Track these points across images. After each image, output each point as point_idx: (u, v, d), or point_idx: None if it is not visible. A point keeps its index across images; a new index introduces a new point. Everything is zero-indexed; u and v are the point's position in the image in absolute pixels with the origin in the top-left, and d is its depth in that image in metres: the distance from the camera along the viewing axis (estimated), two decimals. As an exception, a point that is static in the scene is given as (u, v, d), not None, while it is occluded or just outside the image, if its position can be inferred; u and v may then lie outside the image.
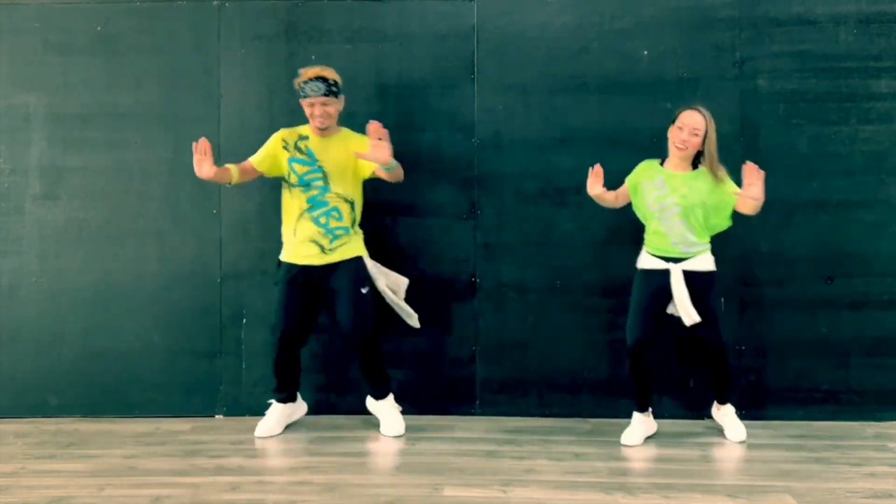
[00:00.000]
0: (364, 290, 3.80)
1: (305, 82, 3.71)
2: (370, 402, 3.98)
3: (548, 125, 4.14)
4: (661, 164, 3.74)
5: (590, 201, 4.10)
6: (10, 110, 4.24)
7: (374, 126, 3.56)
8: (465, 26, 4.16)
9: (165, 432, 3.93)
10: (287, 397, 3.90)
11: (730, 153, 4.05)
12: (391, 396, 3.95)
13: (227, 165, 3.76)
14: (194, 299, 4.20)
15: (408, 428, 3.95)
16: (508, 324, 4.16)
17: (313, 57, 4.16)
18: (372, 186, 4.15)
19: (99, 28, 4.23)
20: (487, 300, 4.16)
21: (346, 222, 3.80)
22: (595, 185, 3.73)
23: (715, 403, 3.87)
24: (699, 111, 3.63)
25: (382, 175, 3.75)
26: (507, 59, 4.15)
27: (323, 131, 3.78)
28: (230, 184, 3.78)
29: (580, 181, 4.08)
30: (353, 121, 4.14)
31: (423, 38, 4.17)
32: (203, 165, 3.62)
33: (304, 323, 3.83)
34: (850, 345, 4.06)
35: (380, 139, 3.56)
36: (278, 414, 3.88)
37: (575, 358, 4.13)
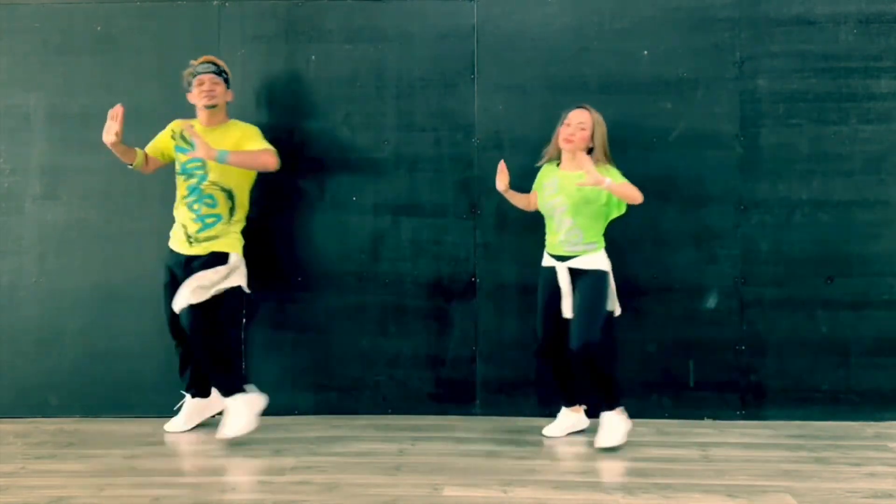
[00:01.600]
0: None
1: (196, 66, 3.82)
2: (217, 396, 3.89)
3: (548, 125, 4.13)
4: (558, 166, 3.79)
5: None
6: (10, 110, 4.24)
7: (187, 129, 3.69)
8: (465, 26, 4.16)
9: (165, 432, 3.93)
10: (195, 391, 3.94)
11: (730, 153, 4.06)
12: (243, 395, 3.71)
13: (136, 149, 3.83)
14: (194, 299, 4.19)
15: (408, 428, 3.95)
16: (508, 324, 4.16)
17: (313, 57, 4.16)
18: (372, 186, 4.16)
19: (99, 28, 4.23)
20: (487, 300, 4.16)
21: (220, 210, 3.80)
22: (500, 181, 3.79)
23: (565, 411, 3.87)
24: (585, 108, 3.72)
25: (243, 167, 3.76)
26: (507, 59, 4.15)
27: (210, 110, 3.81)
28: (132, 165, 3.83)
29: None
30: (353, 121, 4.15)
31: (423, 38, 4.17)
32: (110, 131, 3.65)
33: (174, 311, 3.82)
34: (850, 345, 4.06)
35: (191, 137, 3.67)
36: (189, 409, 3.94)
37: (575, 358, 4.13)
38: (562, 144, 3.71)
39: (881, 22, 4.06)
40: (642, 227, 4.00)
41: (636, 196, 3.58)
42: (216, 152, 3.61)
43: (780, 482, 3.16)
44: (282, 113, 4.13)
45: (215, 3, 4.21)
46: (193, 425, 3.94)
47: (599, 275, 3.67)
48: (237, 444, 3.68)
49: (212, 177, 3.79)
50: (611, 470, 3.34)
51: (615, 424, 3.64)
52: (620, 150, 4.04)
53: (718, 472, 3.31)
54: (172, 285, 3.80)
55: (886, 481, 3.18)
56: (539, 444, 3.70)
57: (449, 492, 3.06)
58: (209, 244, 3.79)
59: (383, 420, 4.09)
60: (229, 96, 3.90)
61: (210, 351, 3.69)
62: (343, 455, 3.55)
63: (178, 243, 3.83)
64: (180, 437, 3.84)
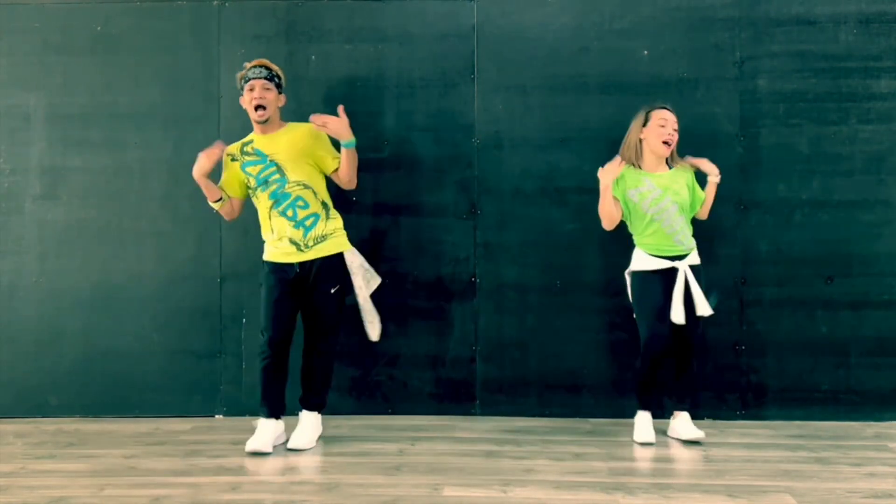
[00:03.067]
0: (333, 291, 3.66)
1: (249, 70, 3.71)
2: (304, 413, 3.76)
3: (548, 125, 4.15)
4: (639, 168, 3.75)
5: (590, 201, 4.10)
6: (10, 110, 4.24)
7: (315, 118, 3.58)
8: (465, 26, 4.16)
9: (165, 432, 3.93)
10: (273, 412, 3.66)
11: (730, 153, 4.07)
12: (319, 413, 3.76)
13: (220, 188, 3.74)
14: (194, 299, 4.20)
15: (408, 428, 3.95)
16: (508, 324, 4.16)
17: (313, 57, 4.16)
18: (372, 187, 4.16)
19: (99, 28, 4.23)
20: (487, 300, 4.16)
21: (314, 209, 3.67)
22: (610, 174, 3.67)
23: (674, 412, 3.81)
24: (666, 108, 3.72)
25: (343, 169, 3.69)
26: (507, 59, 4.15)
27: (263, 123, 3.69)
28: (216, 205, 3.72)
29: (580, 181, 4.10)
30: (353, 120, 4.14)
31: (423, 38, 4.17)
32: (203, 165, 3.60)
33: (290, 326, 3.68)
34: (849, 345, 4.06)
35: (324, 123, 3.58)
36: (271, 430, 3.63)
37: (575, 358, 4.13)
38: (660, 148, 3.68)
39: (881, 22, 4.06)
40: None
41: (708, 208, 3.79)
42: (352, 136, 3.59)
43: (780, 482, 3.16)
44: (282, 113, 4.12)
45: (215, 3, 4.21)
46: (272, 448, 3.63)
47: (702, 270, 3.74)
48: (237, 444, 3.68)
49: (291, 177, 3.65)
50: (611, 470, 3.34)
51: (690, 419, 3.73)
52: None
53: (718, 472, 3.30)
54: (282, 297, 3.63)
55: (886, 481, 3.18)
56: (539, 444, 3.70)
57: (449, 492, 3.06)
58: (319, 248, 3.65)
59: (383, 420, 4.09)
60: (282, 101, 3.75)
61: (330, 364, 3.73)
62: (343, 455, 3.55)
63: (285, 255, 3.64)
64: (180, 437, 3.84)
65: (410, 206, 4.18)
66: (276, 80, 3.72)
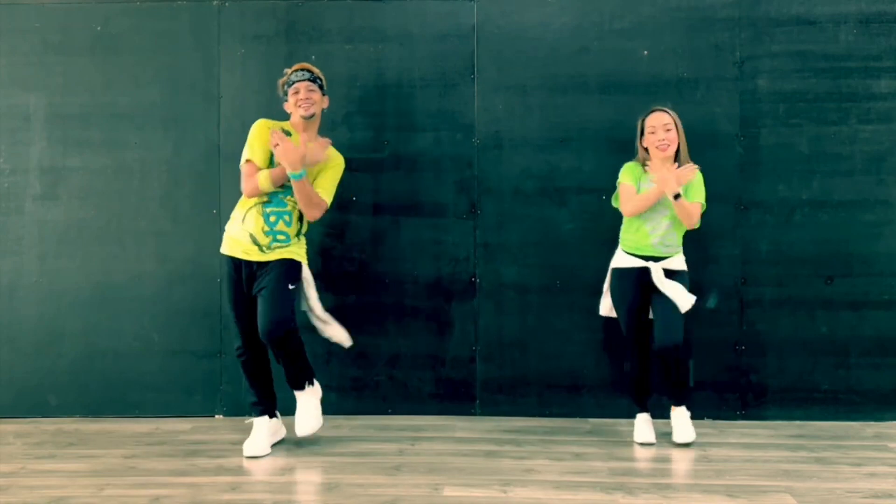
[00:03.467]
0: (291, 287, 3.57)
1: (291, 73, 3.68)
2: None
3: (548, 125, 4.14)
4: (644, 168, 3.74)
5: (590, 201, 4.11)
6: (10, 110, 4.24)
7: (273, 134, 3.50)
8: (465, 26, 4.16)
9: (165, 432, 3.93)
10: (266, 410, 3.66)
11: (730, 153, 4.07)
12: (313, 386, 3.65)
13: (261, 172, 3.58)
14: (194, 299, 4.20)
15: (408, 428, 3.95)
16: (508, 324, 4.16)
17: (313, 57, 4.16)
18: (372, 187, 4.16)
19: (99, 28, 4.23)
20: (487, 300, 4.16)
21: (292, 230, 3.62)
22: (676, 186, 3.59)
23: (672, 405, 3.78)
24: (662, 109, 3.70)
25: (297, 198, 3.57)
26: (507, 59, 4.15)
27: (308, 121, 3.63)
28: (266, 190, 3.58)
29: (580, 181, 4.10)
30: (353, 121, 4.16)
31: (423, 38, 4.17)
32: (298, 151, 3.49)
33: (254, 326, 3.56)
34: (849, 345, 4.06)
35: (275, 144, 3.48)
36: (265, 430, 3.62)
37: (575, 358, 4.13)
38: (657, 153, 3.66)
39: (881, 22, 4.06)
40: (642, 227, 4.00)
41: (693, 221, 3.64)
42: (300, 168, 3.46)
43: (780, 482, 3.16)
44: (282, 113, 4.12)
45: (215, 3, 4.21)
46: (271, 449, 3.64)
47: (685, 276, 3.71)
48: (237, 444, 3.68)
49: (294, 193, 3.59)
50: (611, 470, 3.34)
51: (688, 419, 3.69)
52: (620, 151, 4.05)
53: (718, 472, 3.31)
54: (240, 296, 3.60)
55: (886, 481, 3.18)
56: (539, 444, 3.70)
57: (449, 492, 3.06)
58: (280, 252, 3.59)
59: (383, 420, 4.09)
60: (325, 103, 3.72)
61: (298, 351, 3.60)
62: (343, 455, 3.55)
63: (244, 252, 3.58)
64: (180, 437, 3.84)
65: (410, 206, 4.18)
66: (319, 82, 3.70)
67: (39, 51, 4.23)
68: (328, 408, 4.15)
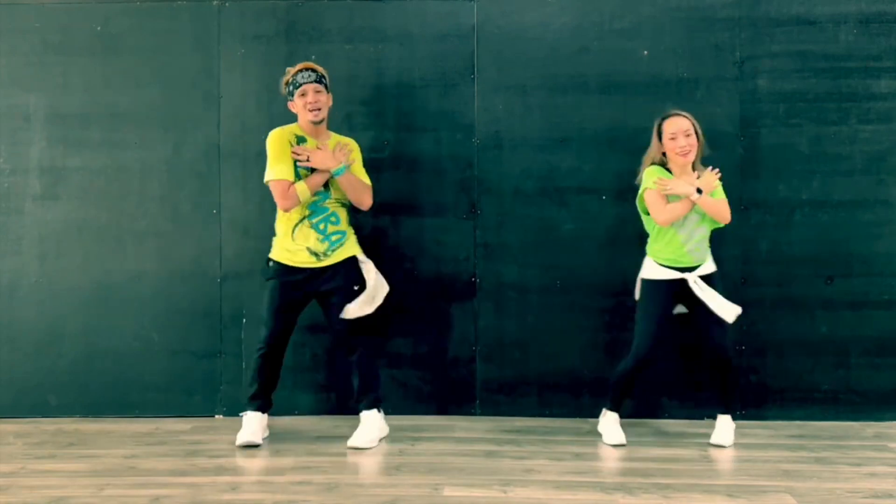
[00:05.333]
0: (357, 288, 3.72)
1: (294, 75, 3.69)
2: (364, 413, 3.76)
3: (548, 125, 4.14)
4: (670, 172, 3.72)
5: (590, 201, 4.11)
6: (10, 110, 4.24)
7: (297, 151, 3.64)
8: (465, 26, 4.16)
9: (165, 432, 3.93)
10: (264, 404, 3.73)
11: (730, 153, 4.06)
12: (380, 411, 3.77)
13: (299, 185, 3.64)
14: (194, 299, 4.20)
15: (408, 428, 3.95)
16: (508, 324, 4.16)
17: (313, 57, 4.16)
18: (373, 187, 4.15)
19: (99, 28, 4.23)
20: (487, 300, 4.16)
21: (343, 226, 3.75)
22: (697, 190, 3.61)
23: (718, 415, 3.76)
24: (681, 114, 3.67)
25: (348, 195, 3.71)
26: (507, 59, 4.15)
27: (317, 125, 3.69)
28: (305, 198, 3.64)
29: (580, 181, 4.10)
30: (353, 121, 4.16)
31: (423, 38, 4.17)
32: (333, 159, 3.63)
33: (291, 326, 3.73)
34: (849, 345, 4.06)
35: (307, 158, 3.62)
36: (258, 422, 3.69)
37: (575, 358, 4.13)
38: (677, 159, 3.64)
39: (881, 22, 4.06)
40: (643, 226, 3.99)
41: (725, 215, 3.64)
42: (337, 164, 3.59)
43: (780, 482, 3.16)
44: (282, 113, 4.12)
45: (215, 3, 4.21)
46: (262, 439, 3.71)
47: (717, 277, 3.71)
48: (236, 444, 3.68)
49: (333, 193, 3.70)
50: (611, 470, 3.34)
51: (731, 426, 3.70)
52: (620, 151, 4.06)
53: (718, 472, 3.31)
54: (288, 298, 3.66)
55: (886, 481, 3.18)
56: (539, 444, 3.70)
57: (449, 492, 3.06)
58: (337, 254, 3.69)
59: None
60: (330, 101, 3.76)
61: (373, 356, 3.74)
62: (343, 455, 3.55)
63: (302, 263, 3.66)
64: (180, 437, 3.84)
65: (410, 206, 4.18)
66: (324, 81, 3.73)
67: (39, 51, 4.23)
68: (328, 408, 4.17)
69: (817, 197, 4.07)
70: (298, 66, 3.71)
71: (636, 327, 3.71)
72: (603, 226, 4.09)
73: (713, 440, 3.66)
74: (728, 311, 3.61)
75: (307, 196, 3.61)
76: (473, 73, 4.16)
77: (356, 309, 3.69)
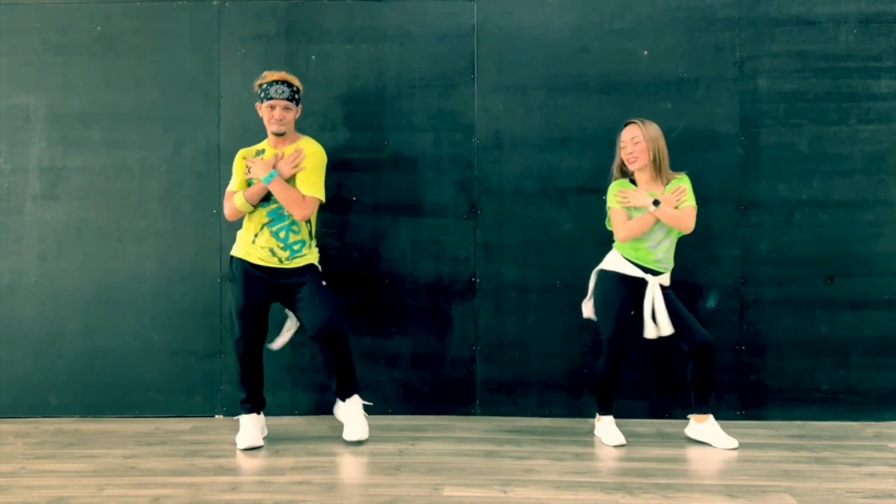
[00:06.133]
0: (324, 283, 3.76)
1: (270, 84, 3.68)
2: (336, 405, 3.85)
3: (548, 125, 4.15)
4: (634, 183, 3.73)
5: (590, 201, 4.11)
6: (10, 110, 4.24)
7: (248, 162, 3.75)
8: (465, 26, 4.16)
9: (165, 432, 3.94)
10: (256, 406, 3.75)
11: (730, 153, 4.07)
12: (357, 396, 3.79)
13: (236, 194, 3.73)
14: (194, 299, 4.20)
15: (408, 428, 3.95)
16: (508, 324, 4.16)
17: (313, 57, 4.16)
18: (372, 187, 4.16)
19: (99, 28, 4.23)
20: (487, 300, 4.16)
21: (304, 235, 3.73)
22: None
23: (693, 418, 3.73)
24: (633, 122, 3.68)
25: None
26: (507, 59, 4.15)
27: (279, 137, 3.74)
28: (248, 208, 3.72)
29: (580, 181, 4.10)
30: (353, 121, 4.15)
31: (423, 38, 4.17)
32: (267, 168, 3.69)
33: (263, 324, 3.72)
34: (849, 345, 4.06)
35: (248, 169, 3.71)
36: (254, 424, 3.71)
37: (575, 358, 4.13)
38: (629, 167, 3.67)
39: (881, 22, 4.06)
40: (642, 227, 4.00)
41: (686, 225, 3.62)
42: (266, 173, 3.63)
43: (780, 482, 3.16)
44: (301, 114, 4.13)
45: (215, 3, 4.21)
46: (262, 440, 3.73)
47: (671, 293, 3.71)
48: (236, 444, 3.68)
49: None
50: (611, 470, 3.34)
51: (716, 424, 3.69)
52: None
53: (718, 472, 3.31)
54: (255, 296, 3.67)
55: (886, 481, 3.18)
56: (539, 443, 3.70)
57: (449, 492, 3.06)
58: (297, 261, 3.72)
59: (383, 420, 4.09)
60: (299, 113, 3.79)
61: (349, 351, 3.73)
62: (343, 455, 3.55)
63: (261, 259, 3.69)
64: (180, 437, 3.84)
65: (410, 206, 4.18)
66: (297, 96, 3.74)
67: (39, 51, 4.23)
68: (328, 408, 4.17)
69: (817, 197, 4.08)
70: (274, 76, 3.70)
71: (600, 323, 3.71)
72: (603, 226, 4.08)
73: (718, 446, 3.63)
74: (663, 327, 3.60)
75: (243, 204, 3.68)
76: (473, 73, 4.16)
77: (284, 338, 3.85)
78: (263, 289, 3.70)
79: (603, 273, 3.73)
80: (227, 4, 4.21)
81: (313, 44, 4.19)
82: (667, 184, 3.68)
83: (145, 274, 4.21)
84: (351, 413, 3.76)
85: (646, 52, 4.11)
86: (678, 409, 4.09)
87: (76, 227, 4.23)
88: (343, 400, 3.78)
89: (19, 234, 4.24)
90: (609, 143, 4.08)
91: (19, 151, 4.24)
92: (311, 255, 3.78)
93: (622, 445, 3.65)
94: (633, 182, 3.73)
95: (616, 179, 3.77)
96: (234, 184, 3.77)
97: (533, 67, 4.14)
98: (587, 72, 4.13)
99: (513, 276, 4.15)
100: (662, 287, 3.67)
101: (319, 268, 3.81)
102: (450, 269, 4.18)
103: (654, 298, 3.62)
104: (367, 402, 3.89)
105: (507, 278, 4.16)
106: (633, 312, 3.70)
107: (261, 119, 4.08)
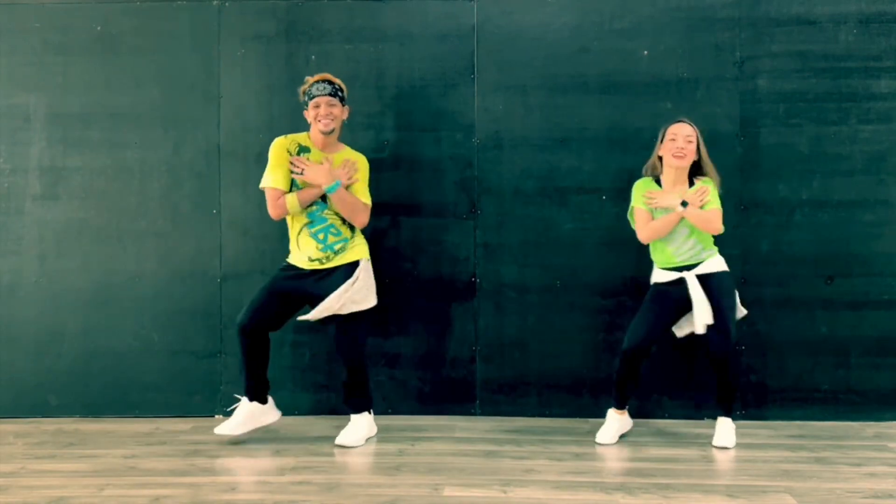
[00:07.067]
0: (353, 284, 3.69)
1: (311, 85, 3.69)
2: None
3: (548, 125, 4.14)
4: (658, 183, 3.74)
5: (590, 201, 4.11)
6: (10, 110, 4.24)
7: (294, 162, 3.66)
8: (465, 26, 4.16)
9: (165, 432, 3.94)
10: (255, 396, 3.72)
11: (730, 153, 4.07)
12: (370, 415, 3.79)
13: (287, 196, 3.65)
14: (194, 299, 4.20)
15: (408, 428, 3.96)
16: (508, 324, 4.16)
17: (313, 57, 4.16)
18: (372, 187, 4.16)
19: (99, 28, 4.23)
20: (487, 300, 4.16)
21: (345, 235, 3.72)
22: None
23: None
24: (687, 122, 3.69)
25: (340, 211, 3.69)
26: (507, 59, 4.15)
27: (327, 136, 3.69)
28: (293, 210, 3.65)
29: (580, 181, 4.10)
30: (353, 121, 4.15)
31: (423, 38, 4.17)
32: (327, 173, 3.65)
33: (271, 322, 3.68)
34: (849, 345, 4.06)
35: (302, 171, 3.63)
36: (246, 413, 3.71)
37: (575, 358, 4.13)
38: (672, 161, 3.65)
39: (881, 22, 4.06)
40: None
41: (714, 227, 3.62)
42: (332, 181, 3.60)
43: (780, 482, 3.16)
44: (282, 114, 4.13)
45: (215, 2, 4.21)
46: (247, 430, 3.73)
47: (727, 276, 3.69)
48: (237, 444, 3.69)
49: (332, 204, 3.67)
50: (611, 470, 3.34)
51: (732, 427, 3.68)
52: (620, 151, 4.06)
53: (718, 472, 3.31)
54: (282, 286, 3.67)
55: (886, 481, 3.18)
56: (539, 444, 3.70)
57: (449, 492, 3.06)
58: (338, 258, 3.70)
59: (383, 420, 4.09)
60: (346, 114, 3.77)
61: (358, 365, 3.69)
62: (343, 455, 3.55)
63: (302, 263, 3.70)
64: (180, 437, 3.84)
65: (410, 206, 4.18)
66: (340, 94, 3.72)
67: (39, 51, 4.23)
68: (329, 408, 4.17)
69: (817, 197, 4.08)
70: (316, 77, 3.70)
71: (628, 331, 3.70)
72: (603, 226, 4.09)
73: (715, 443, 3.65)
74: (701, 320, 3.60)
75: (296, 207, 3.62)
76: (473, 73, 4.16)
77: (322, 308, 3.63)
78: (295, 285, 3.68)
79: (651, 286, 3.77)
80: (227, 4, 4.21)
81: (313, 44, 4.19)
82: (691, 186, 3.69)
83: (145, 274, 4.21)
84: (355, 423, 3.76)
85: (646, 52, 4.11)
86: (678, 409, 4.09)
87: (76, 227, 4.23)
88: (357, 412, 3.76)
89: (19, 234, 4.24)
90: (609, 144, 4.09)
91: (19, 151, 4.24)
92: (355, 249, 3.72)
93: (607, 444, 3.66)
94: (657, 183, 3.73)
95: (644, 177, 3.76)
96: (277, 179, 3.64)
97: (533, 67, 4.14)
98: (587, 72, 4.13)
99: (513, 276, 4.15)
100: (709, 274, 3.65)
101: (364, 258, 3.73)
102: (450, 269, 4.18)
103: (694, 292, 3.61)
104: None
105: (507, 278, 4.16)
106: (667, 327, 3.71)
107: (261, 119, 4.09)
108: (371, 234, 4.15)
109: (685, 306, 3.69)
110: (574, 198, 4.12)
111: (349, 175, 3.69)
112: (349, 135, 4.15)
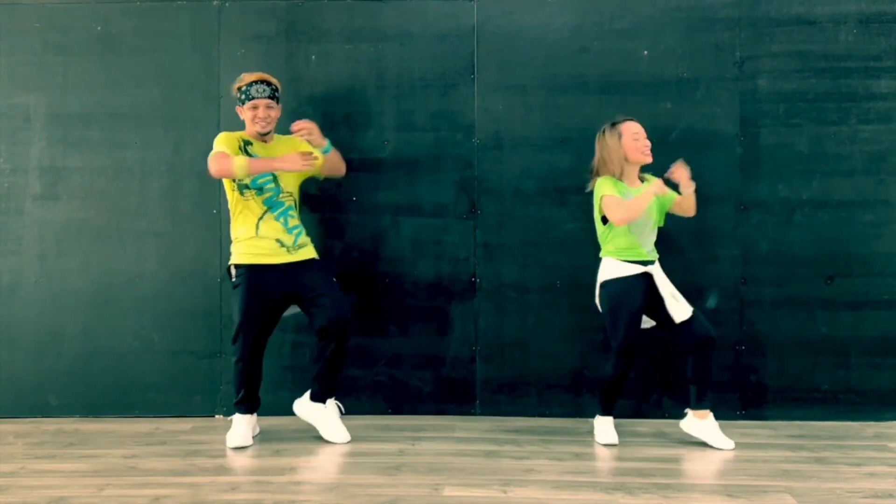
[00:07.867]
0: (335, 280, 3.82)
1: (249, 85, 3.70)
2: (304, 405, 3.79)
3: (548, 125, 4.15)
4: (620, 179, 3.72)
5: (590, 201, 4.10)
6: (10, 110, 4.24)
7: (297, 126, 3.72)
8: (465, 26, 4.16)
9: (165, 432, 3.94)
10: (252, 406, 3.74)
11: (730, 153, 4.07)
12: (334, 400, 3.83)
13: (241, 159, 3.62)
14: (194, 299, 4.20)
15: (408, 428, 3.95)
16: (508, 324, 4.16)
17: (313, 57, 4.16)
18: (372, 186, 4.16)
19: (99, 28, 4.23)
20: (487, 300, 4.16)
21: (298, 219, 3.81)
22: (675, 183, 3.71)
23: (691, 414, 3.68)
24: (631, 119, 3.71)
25: (331, 168, 3.87)
26: (507, 59, 4.15)
27: (264, 136, 3.75)
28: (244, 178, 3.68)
29: (580, 181, 4.09)
30: (353, 121, 4.16)
31: (423, 38, 4.17)
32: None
33: (268, 331, 3.73)
34: (849, 345, 4.06)
35: (302, 129, 3.72)
36: (246, 424, 3.72)
37: (575, 358, 4.13)
38: (641, 158, 3.65)
39: (881, 22, 4.06)
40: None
41: (693, 212, 3.76)
42: (326, 142, 3.79)
43: (780, 482, 3.16)
44: (282, 113, 4.13)
45: (215, 3, 4.21)
46: (252, 440, 3.75)
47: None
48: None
49: (284, 188, 3.74)
50: (611, 470, 3.34)
51: (715, 423, 3.66)
52: (620, 150, 4.05)
53: (718, 472, 3.31)
54: (258, 299, 3.65)
55: (886, 481, 3.18)
56: (539, 443, 3.70)
57: (449, 492, 3.06)
58: (303, 252, 3.76)
59: (383, 420, 4.09)
60: (279, 113, 3.81)
61: (349, 334, 3.73)
62: (343, 455, 3.55)
63: (268, 256, 3.68)
64: (180, 437, 3.84)
65: (410, 206, 4.18)
66: (277, 95, 3.77)
67: (39, 51, 4.23)
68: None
69: (817, 197, 4.08)
70: (253, 77, 3.71)
71: (610, 331, 3.66)
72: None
73: (716, 446, 3.61)
74: (681, 310, 3.61)
75: (244, 171, 3.56)
76: (473, 73, 4.16)
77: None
78: (275, 292, 3.69)
79: (607, 283, 3.69)
80: (227, 4, 4.21)
81: (313, 44, 4.19)
82: (643, 182, 3.73)
83: (145, 274, 4.21)
84: (332, 416, 3.77)
85: (646, 52, 4.11)
86: (678, 409, 4.09)
87: (76, 227, 4.23)
88: (323, 401, 3.77)
89: (19, 234, 4.24)
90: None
91: (19, 151, 4.24)
92: (310, 245, 3.82)
93: (612, 445, 3.65)
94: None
95: (601, 176, 3.71)
96: (226, 149, 3.64)
97: (533, 67, 4.14)
98: (587, 72, 4.13)
99: (513, 276, 4.15)
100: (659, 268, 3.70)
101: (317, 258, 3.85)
102: (450, 269, 4.18)
103: (663, 286, 3.62)
104: (339, 404, 3.88)
105: (507, 278, 4.16)
106: (643, 314, 3.69)
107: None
108: (371, 234, 4.15)
109: (650, 301, 3.66)
110: (574, 198, 4.12)
111: (308, 129, 3.75)
112: (349, 134, 4.16)
